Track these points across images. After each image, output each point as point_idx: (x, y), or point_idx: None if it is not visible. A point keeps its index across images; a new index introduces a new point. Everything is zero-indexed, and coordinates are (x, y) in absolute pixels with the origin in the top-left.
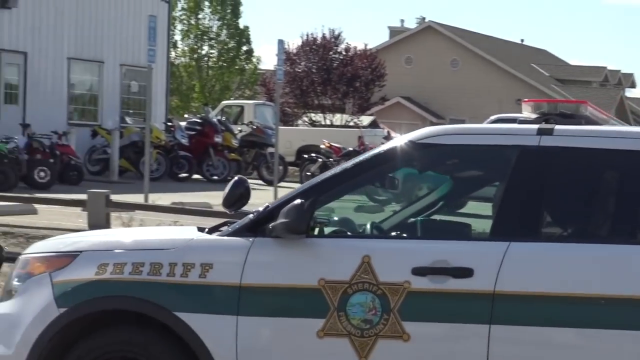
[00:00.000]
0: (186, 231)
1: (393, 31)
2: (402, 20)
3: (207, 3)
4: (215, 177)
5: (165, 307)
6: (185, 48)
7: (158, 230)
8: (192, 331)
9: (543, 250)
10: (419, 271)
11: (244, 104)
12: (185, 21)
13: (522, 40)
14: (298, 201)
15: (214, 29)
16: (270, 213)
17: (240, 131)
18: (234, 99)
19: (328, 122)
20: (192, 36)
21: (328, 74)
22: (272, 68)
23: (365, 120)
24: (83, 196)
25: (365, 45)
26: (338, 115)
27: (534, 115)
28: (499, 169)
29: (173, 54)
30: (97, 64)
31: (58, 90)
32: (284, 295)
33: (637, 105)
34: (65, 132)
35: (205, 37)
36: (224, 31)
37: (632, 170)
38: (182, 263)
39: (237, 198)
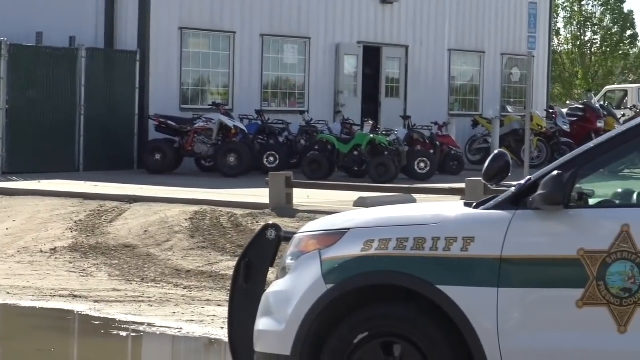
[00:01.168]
0: (451, 206)
1: None
2: None
3: None
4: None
5: (427, 281)
6: (568, 35)
7: (426, 206)
8: (454, 304)
9: None
10: None
11: (628, 88)
12: (568, 8)
13: None
14: (555, 172)
15: (598, 14)
16: (533, 185)
17: (624, 115)
18: (618, 85)
19: None
20: (574, 23)
21: None
22: None
23: None
24: (461, 185)
25: None
26: None
27: None
28: None
29: (555, 41)
30: (478, 54)
31: (439, 81)
32: (543, 266)
33: None
34: (446, 123)
35: (588, 23)
36: (608, 16)
37: None
38: (444, 237)
39: (497, 172)
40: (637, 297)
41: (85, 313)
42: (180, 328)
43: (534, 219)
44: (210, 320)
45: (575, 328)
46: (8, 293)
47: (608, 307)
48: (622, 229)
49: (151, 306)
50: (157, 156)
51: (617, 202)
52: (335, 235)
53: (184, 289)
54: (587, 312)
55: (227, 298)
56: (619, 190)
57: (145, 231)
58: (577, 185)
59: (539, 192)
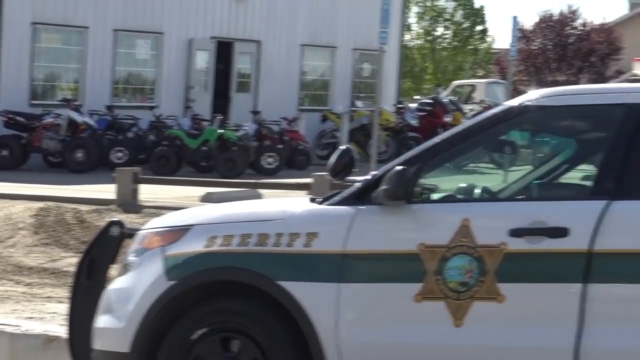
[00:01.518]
0: (297, 202)
1: (633, 4)
2: None
3: None
4: None
5: (268, 277)
6: (420, 30)
7: (271, 202)
8: (293, 299)
9: None
10: (516, 232)
11: (476, 83)
12: (420, 3)
13: None
14: (398, 168)
15: (449, 10)
16: (378, 180)
17: (471, 109)
18: (466, 80)
19: None
20: (427, 18)
21: (564, 49)
22: (506, 47)
23: None
24: (309, 180)
25: (603, 19)
26: None
27: None
28: (605, 128)
29: (407, 36)
30: (329, 49)
31: (290, 77)
32: (384, 261)
33: None
34: (295, 118)
35: (440, 19)
36: (460, 12)
37: None
38: (288, 233)
39: (343, 167)
40: (473, 291)
41: None
42: (19, 325)
43: (377, 214)
44: (51, 317)
45: (413, 322)
46: None
47: (445, 302)
48: (463, 223)
49: None
50: (4, 152)
51: (459, 196)
52: (180, 232)
53: (25, 285)
54: (425, 307)
55: (69, 295)
56: (462, 185)
57: None
58: (422, 180)
59: (382, 187)
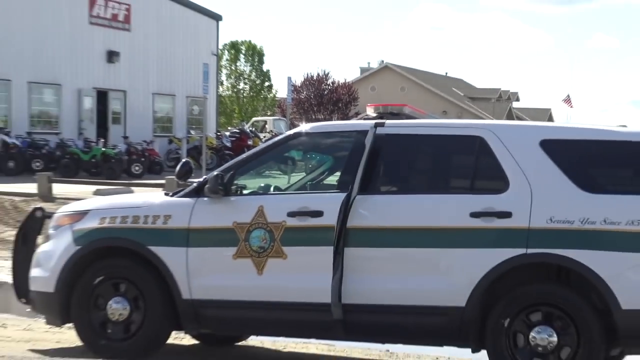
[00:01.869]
0: (155, 195)
1: (362, 69)
2: (369, 62)
3: (242, 56)
4: None
5: (141, 243)
6: (229, 85)
7: (140, 195)
8: (158, 258)
9: (378, 199)
10: (291, 214)
11: (266, 119)
12: (228, 67)
13: (446, 73)
14: (216, 173)
15: (247, 72)
16: (206, 181)
17: (265, 136)
18: (260, 117)
19: None
20: (232, 77)
21: (321, 98)
22: (284, 96)
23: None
24: (162, 181)
25: (345, 79)
26: None
27: (374, 114)
28: (346, 147)
29: (220, 89)
30: (171, 96)
31: (146, 114)
32: (213, 233)
33: (521, 112)
34: (151, 141)
35: (241, 78)
36: (254, 73)
37: (440, 149)
38: (152, 215)
39: (185, 173)
40: (267, 252)
41: None
42: None
43: (208, 203)
44: (0, 269)
45: (233, 272)
46: None
47: (251, 259)
48: (259, 208)
49: None
50: None
51: (259, 191)
52: (81, 214)
53: None
54: (239, 262)
55: (11, 255)
56: (261, 184)
57: None
58: (236, 181)
59: (207, 186)
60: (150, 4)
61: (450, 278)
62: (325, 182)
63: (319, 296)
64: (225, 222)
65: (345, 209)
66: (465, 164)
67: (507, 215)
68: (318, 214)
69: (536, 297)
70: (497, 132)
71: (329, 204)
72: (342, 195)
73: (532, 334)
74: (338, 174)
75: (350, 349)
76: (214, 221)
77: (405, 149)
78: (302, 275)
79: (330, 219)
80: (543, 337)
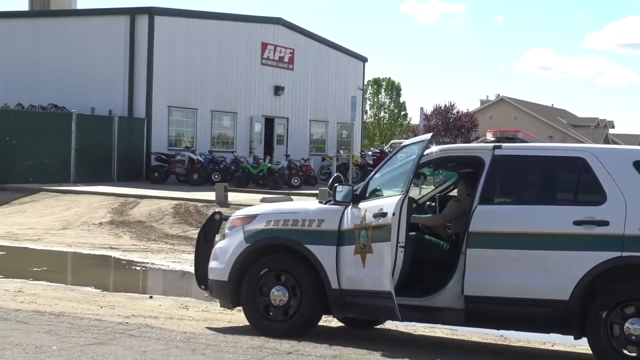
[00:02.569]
0: (311, 203)
1: (482, 101)
2: (487, 95)
3: (383, 90)
4: None
5: (299, 242)
6: (372, 114)
7: (298, 203)
8: (313, 254)
9: (496, 209)
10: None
11: (402, 141)
12: (371, 99)
13: (552, 104)
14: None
15: (387, 103)
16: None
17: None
18: (397, 139)
19: None
20: (375, 107)
21: (447, 125)
22: (417, 123)
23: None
24: (316, 191)
25: (467, 109)
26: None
27: (492, 138)
28: (469, 168)
29: (365, 116)
30: (324, 122)
31: (304, 136)
32: (353, 233)
33: (616, 138)
34: (307, 159)
35: (382, 108)
36: (392, 104)
37: (548, 167)
38: (308, 219)
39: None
40: (366, 249)
41: (117, 257)
42: (168, 265)
43: (353, 210)
44: (185, 261)
45: (353, 265)
46: (77, 246)
47: (360, 253)
48: (364, 213)
49: (153, 253)
50: (156, 174)
51: (376, 197)
52: (251, 218)
53: (170, 245)
54: (357, 257)
55: (194, 250)
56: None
57: (150, 214)
58: (370, 192)
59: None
60: (310, 48)
61: (556, 276)
62: (450, 194)
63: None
64: (352, 224)
65: (467, 217)
66: (569, 180)
67: (605, 223)
68: (383, 214)
69: (630, 293)
70: (596, 154)
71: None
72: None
73: (627, 324)
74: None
75: (470, 334)
76: (354, 223)
77: (519, 168)
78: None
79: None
80: (636, 327)
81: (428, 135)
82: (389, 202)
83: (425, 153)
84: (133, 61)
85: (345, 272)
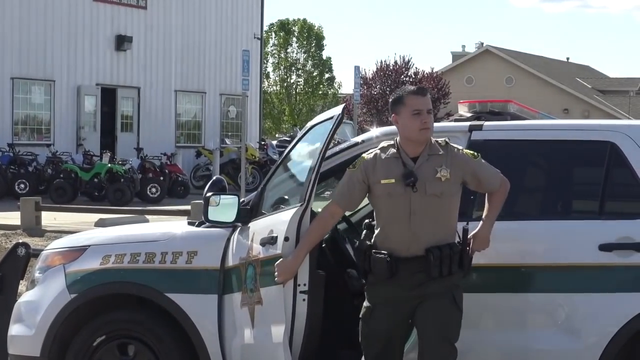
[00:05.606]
0: (177, 225)
1: (455, 55)
2: (463, 46)
3: (294, 39)
4: None
5: (157, 290)
6: (277, 78)
7: (156, 225)
8: (180, 309)
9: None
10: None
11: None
12: (275, 55)
13: (567, 58)
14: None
15: (301, 60)
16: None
17: None
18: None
19: None
20: (282, 68)
21: None
22: (350, 92)
23: None
24: (187, 207)
25: (432, 68)
26: None
27: (469, 114)
28: None
29: (266, 83)
30: (200, 94)
31: (167, 118)
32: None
33: None
34: (173, 154)
35: (293, 68)
36: (310, 62)
37: (549, 157)
38: (171, 252)
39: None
40: (254, 297)
41: None
42: None
43: (236, 233)
44: None
45: (243, 325)
46: None
47: (247, 305)
48: (251, 238)
49: None
50: None
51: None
52: (78, 252)
53: None
54: (244, 311)
55: None
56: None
57: None
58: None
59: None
60: None
61: (573, 334)
62: None
63: None
64: (237, 257)
65: None
66: (591, 179)
67: None
68: None
69: None
70: (634, 136)
71: None
72: None
73: None
74: None
75: None
76: (238, 257)
77: (510, 160)
78: None
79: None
80: None
81: (338, 109)
82: (279, 219)
83: (360, 140)
84: None
85: (233, 339)
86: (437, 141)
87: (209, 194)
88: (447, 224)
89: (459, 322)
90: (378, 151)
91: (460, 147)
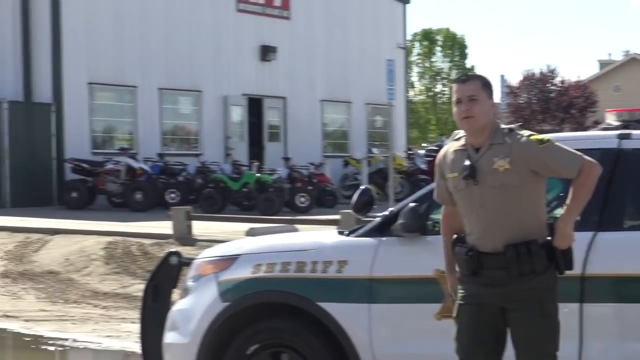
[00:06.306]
0: (327, 234)
1: (602, 63)
2: (610, 54)
3: (438, 48)
4: None
5: (308, 298)
6: (422, 87)
7: (306, 234)
8: (332, 318)
9: (625, 237)
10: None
11: None
12: (420, 64)
13: None
14: (412, 204)
15: (445, 69)
16: (395, 216)
17: None
18: None
19: None
20: (427, 77)
21: (546, 103)
22: (497, 101)
23: None
24: (337, 216)
25: (578, 77)
26: None
27: (617, 122)
28: None
29: (411, 92)
30: (345, 104)
31: (313, 128)
32: (407, 284)
33: None
34: (321, 163)
35: (438, 77)
36: (454, 71)
37: None
38: (322, 261)
39: (364, 204)
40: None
41: (16, 330)
42: (100, 343)
43: (397, 245)
44: (126, 336)
45: (435, 337)
46: None
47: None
48: None
49: (74, 324)
50: (74, 194)
51: None
52: (229, 261)
53: (102, 308)
54: (444, 324)
55: (139, 316)
56: None
57: (67, 259)
58: (432, 216)
59: (400, 221)
60: None
61: None
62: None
63: None
64: (423, 269)
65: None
66: None
67: None
68: None
69: None
70: None
71: None
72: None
73: None
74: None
75: None
76: (408, 269)
77: None
78: None
79: None
80: None
81: None
82: None
83: None
84: (28, 21)
85: (394, 346)
86: (503, 128)
87: (362, 197)
88: (522, 218)
89: (554, 332)
90: (451, 143)
91: (528, 133)
